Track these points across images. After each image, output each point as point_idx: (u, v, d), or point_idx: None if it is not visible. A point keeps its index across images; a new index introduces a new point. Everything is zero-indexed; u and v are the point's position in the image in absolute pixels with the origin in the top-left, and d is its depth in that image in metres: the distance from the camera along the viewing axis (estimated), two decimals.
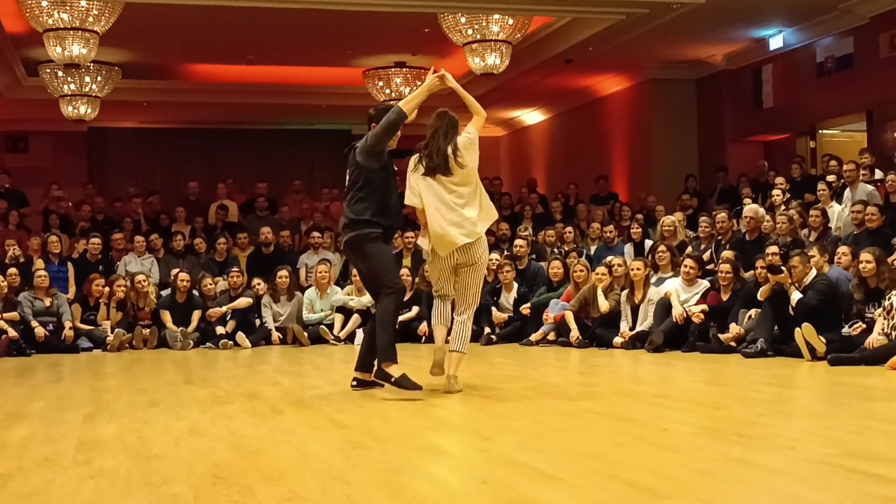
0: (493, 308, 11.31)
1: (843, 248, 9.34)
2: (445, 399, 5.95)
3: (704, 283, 9.88)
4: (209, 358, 10.05)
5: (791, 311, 8.49)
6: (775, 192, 11.90)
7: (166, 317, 11.45)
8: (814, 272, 8.69)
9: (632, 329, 9.93)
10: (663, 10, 12.47)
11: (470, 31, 12.18)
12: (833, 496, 3.27)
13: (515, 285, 11.46)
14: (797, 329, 8.16)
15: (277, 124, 20.07)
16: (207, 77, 17.09)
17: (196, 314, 11.50)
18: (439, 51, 14.58)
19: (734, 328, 9.12)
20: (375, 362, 6.38)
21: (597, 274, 10.48)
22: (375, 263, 6.43)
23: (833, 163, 11.98)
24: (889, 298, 7.90)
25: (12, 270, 11.35)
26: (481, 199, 6.38)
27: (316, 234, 13.57)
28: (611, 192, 16.18)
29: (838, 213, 10.89)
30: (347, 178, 6.50)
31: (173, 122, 19.71)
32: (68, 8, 11.33)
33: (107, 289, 11.54)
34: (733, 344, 9.00)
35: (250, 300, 11.61)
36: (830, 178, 11.58)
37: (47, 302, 11.12)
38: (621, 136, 17.37)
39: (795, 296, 8.50)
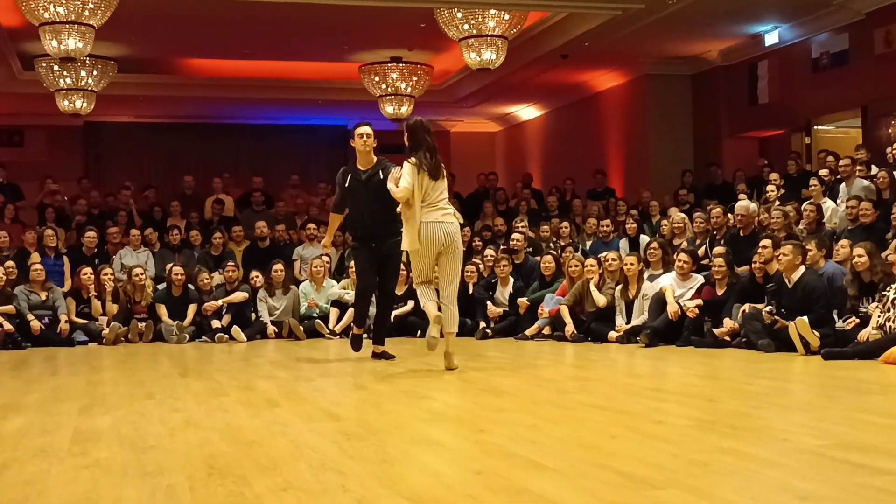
0: (489, 302, 11.33)
1: (843, 242, 9.33)
2: (440, 392, 5.98)
3: (699, 278, 9.88)
4: (205, 351, 10.07)
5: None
6: (769, 187, 11.93)
7: (162, 310, 11.45)
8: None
9: (627, 324, 9.96)
10: (659, 5, 12.48)
11: (466, 27, 12.18)
12: (825, 487, 3.29)
13: (511, 280, 11.48)
14: (791, 323, 8.18)
15: (273, 119, 20.05)
16: (203, 72, 17.07)
17: (192, 308, 11.51)
18: (435, 46, 14.59)
19: (728, 323, 9.13)
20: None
21: (586, 267, 10.51)
22: None
23: (830, 158, 12.01)
24: (889, 292, 7.88)
25: (9, 263, 11.35)
26: None
27: (312, 225, 13.57)
28: (607, 186, 16.19)
29: (832, 210, 10.91)
30: None
31: (169, 117, 19.67)
32: (64, 2, 11.29)
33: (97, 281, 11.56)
34: (727, 338, 9.02)
35: (246, 294, 11.62)
36: (823, 172, 11.58)
37: (43, 295, 11.12)
38: (617, 132, 17.37)
39: (803, 320, 8.19)
